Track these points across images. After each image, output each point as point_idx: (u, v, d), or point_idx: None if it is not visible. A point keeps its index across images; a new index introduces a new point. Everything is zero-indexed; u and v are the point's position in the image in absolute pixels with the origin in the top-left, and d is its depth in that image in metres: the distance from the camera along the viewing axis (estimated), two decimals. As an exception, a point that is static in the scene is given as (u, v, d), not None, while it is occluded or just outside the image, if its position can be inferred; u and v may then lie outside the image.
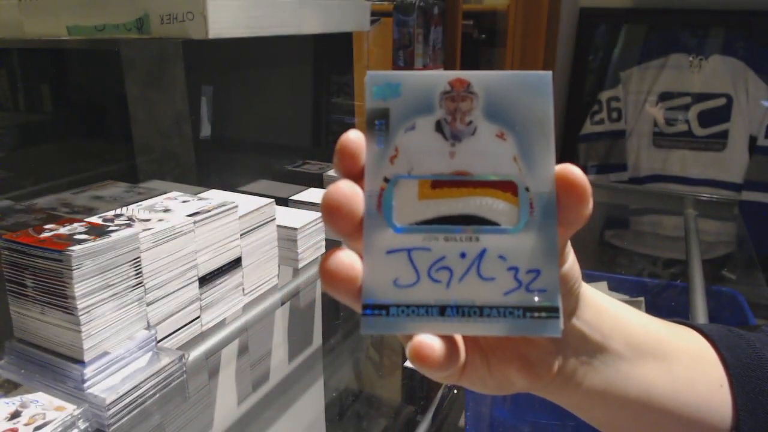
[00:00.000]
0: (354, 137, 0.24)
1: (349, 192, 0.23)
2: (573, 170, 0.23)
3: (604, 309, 0.31)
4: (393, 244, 0.24)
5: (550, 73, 0.24)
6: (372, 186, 0.24)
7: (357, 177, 0.24)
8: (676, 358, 0.32)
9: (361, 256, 0.24)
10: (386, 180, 0.24)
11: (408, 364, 0.78)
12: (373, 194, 0.24)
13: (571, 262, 0.27)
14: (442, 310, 0.23)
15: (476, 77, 0.24)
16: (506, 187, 0.24)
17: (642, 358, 0.31)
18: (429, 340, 0.23)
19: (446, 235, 0.24)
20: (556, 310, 0.23)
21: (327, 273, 0.23)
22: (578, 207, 0.24)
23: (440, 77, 0.24)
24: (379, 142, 0.24)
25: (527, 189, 0.24)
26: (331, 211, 0.23)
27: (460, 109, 0.24)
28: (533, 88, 0.24)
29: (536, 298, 0.23)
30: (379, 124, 0.24)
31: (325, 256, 0.23)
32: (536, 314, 0.23)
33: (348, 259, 0.23)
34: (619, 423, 0.32)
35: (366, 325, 0.23)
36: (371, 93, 0.24)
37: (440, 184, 0.24)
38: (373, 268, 0.23)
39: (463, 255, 0.24)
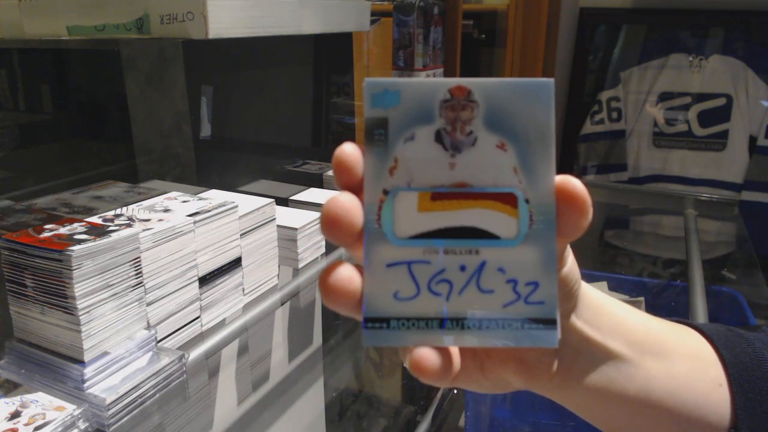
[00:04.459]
0: (350, 150, 0.23)
1: (348, 204, 0.23)
2: (573, 182, 0.24)
3: (603, 308, 0.31)
4: (393, 257, 0.23)
5: (552, 80, 0.23)
6: (371, 198, 0.23)
7: (356, 189, 0.24)
8: (676, 357, 0.32)
9: (361, 266, 0.24)
10: (386, 192, 0.23)
11: (408, 364, 0.78)
12: (372, 206, 0.23)
13: (570, 264, 0.27)
14: (442, 323, 0.24)
15: (477, 85, 0.23)
16: (506, 199, 0.24)
17: (641, 356, 0.31)
18: (428, 353, 0.23)
19: (446, 248, 0.24)
20: (553, 322, 0.24)
21: (326, 288, 0.23)
22: (578, 219, 0.24)
23: (440, 85, 0.23)
24: (378, 152, 0.23)
25: (527, 201, 0.24)
26: (330, 224, 0.23)
27: (460, 118, 0.23)
28: (535, 97, 0.23)
29: (534, 311, 0.24)
30: (378, 134, 0.23)
31: (325, 272, 0.23)
32: (534, 326, 0.24)
33: (347, 273, 0.23)
34: (618, 421, 0.33)
35: (367, 338, 0.23)
36: (370, 101, 0.23)
37: (440, 196, 0.24)
38: (373, 282, 0.23)
39: (462, 268, 0.24)
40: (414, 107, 0.23)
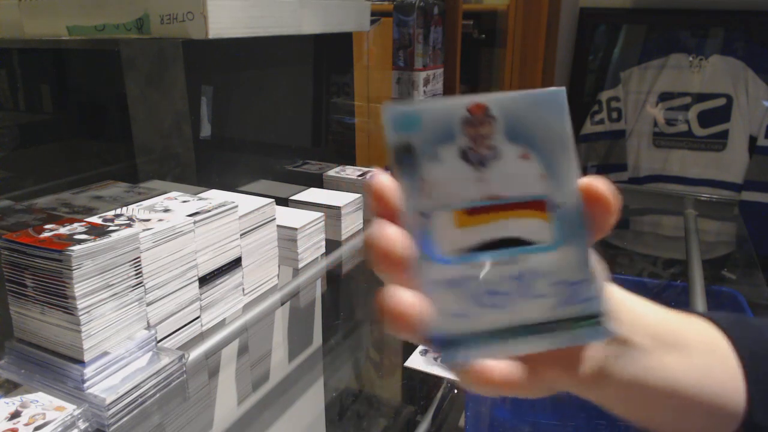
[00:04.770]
0: (384, 180, 0.24)
1: (395, 236, 0.23)
2: (599, 183, 0.25)
3: (623, 303, 0.32)
4: (443, 276, 0.24)
5: (563, 89, 0.24)
6: (411, 223, 0.24)
7: (393, 215, 0.24)
8: (695, 349, 0.33)
9: (413, 288, 0.24)
10: (423, 214, 0.24)
11: (408, 363, 0.78)
12: (414, 231, 0.24)
13: (594, 260, 0.28)
14: (502, 334, 0.24)
15: (493, 101, 0.24)
16: (537, 206, 0.25)
17: (663, 349, 0.32)
18: (493, 366, 0.24)
19: (490, 260, 0.24)
20: (603, 315, 0.25)
21: (391, 315, 0.23)
22: (606, 217, 0.25)
23: (458, 104, 0.24)
24: (409, 177, 0.24)
25: (557, 205, 0.24)
26: (381, 260, 0.23)
27: (481, 134, 0.24)
28: (549, 106, 0.24)
29: (585, 308, 0.25)
30: (406, 160, 0.24)
31: (384, 297, 0.24)
32: (587, 322, 0.25)
33: (408, 298, 0.24)
34: (642, 413, 0.33)
35: (444, 359, 0.24)
36: (392, 127, 0.24)
37: (475, 210, 0.24)
38: (430, 304, 0.24)
39: (510, 277, 0.24)
40: (435, 129, 0.24)
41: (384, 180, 0.24)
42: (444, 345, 0.24)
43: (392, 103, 0.24)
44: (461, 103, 0.24)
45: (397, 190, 0.24)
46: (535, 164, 0.24)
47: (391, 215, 0.24)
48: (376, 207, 0.24)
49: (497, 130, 0.24)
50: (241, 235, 0.70)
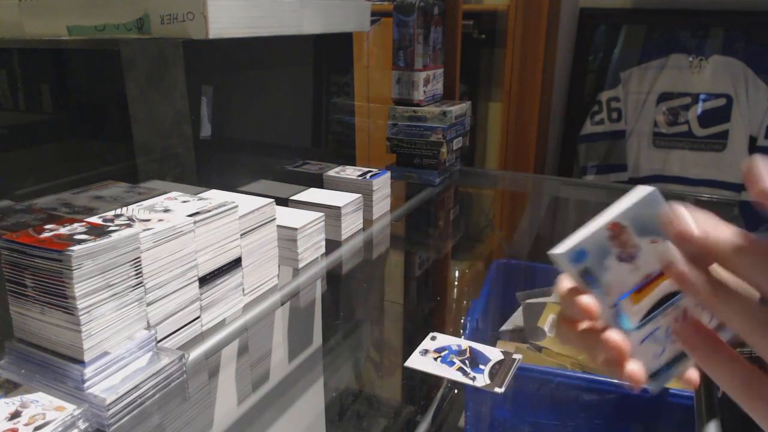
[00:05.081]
0: (584, 300, 0.36)
1: (617, 337, 0.36)
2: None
3: None
4: (640, 338, 0.37)
5: (656, 189, 0.36)
6: (608, 314, 0.36)
7: (592, 316, 0.36)
8: None
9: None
10: (613, 306, 0.36)
11: (408, 363, 0.78)
12: (612, 319, 0.36)
13: None
14: (683, 354, 0.37)
15: (621, 217, 0.35)
16: None
17: None
18: (693, 373, 0.37)
19: (663, 314, 0.37)
20: None
21: (630, 379, 0.35)
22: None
23: (601, 229, 0.35)
24: (596, 288, 0.36)
25: None
26: (608, 346, 0.36)
27: (623, 240, 0.36)
28: (654, 203, 0.36)
29: None
30: (589, 279, 0.36)
31: (620, 369, 0.36)
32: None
33: (636, 366, 0.36)
34: None
35: (654, 388, 0.37)
36: (569, 264, 0.35)
37: (641, 289, 0.36)
38: (640, 357, 0.36)
39: (676, 318, 0.36)
40: (597, 251, 0.35)
41: (584, 300, 0.35)
42: (652, 378, 0.37)
43: (560, 248, 0.35)
44: (603, 227, 0.35)
45: (590, 297, 0.36)
46: (663, 243, 0.35)
47: (591, 315, 0.36)
48: (583, 313, 0.35)
49: (631, 233, 0.35)
50: (241, 235, 0.70)
